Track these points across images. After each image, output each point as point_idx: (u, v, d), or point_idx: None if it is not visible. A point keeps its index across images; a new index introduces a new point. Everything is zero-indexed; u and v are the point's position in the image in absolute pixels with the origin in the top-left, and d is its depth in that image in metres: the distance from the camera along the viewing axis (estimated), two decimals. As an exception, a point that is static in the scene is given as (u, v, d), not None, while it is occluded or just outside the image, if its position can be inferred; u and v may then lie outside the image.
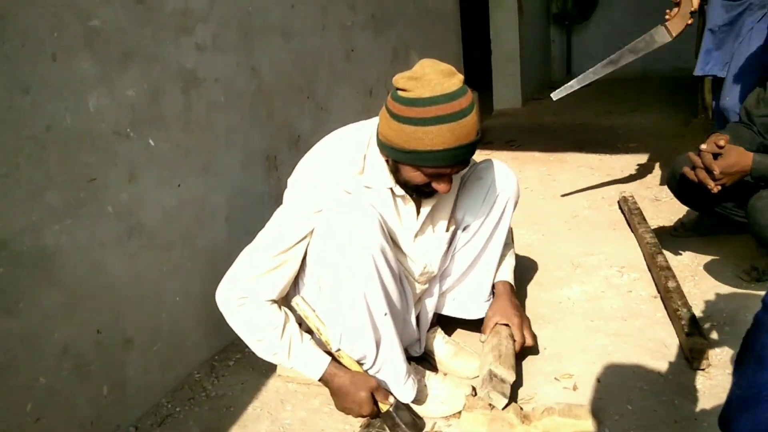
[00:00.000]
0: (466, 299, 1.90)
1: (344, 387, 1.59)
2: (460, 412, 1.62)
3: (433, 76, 1.37)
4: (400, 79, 1.41)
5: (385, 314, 1.54)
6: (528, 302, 2.22)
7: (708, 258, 2.39)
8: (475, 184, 1.79)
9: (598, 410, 1.62)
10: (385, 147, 1.49)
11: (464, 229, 1.80)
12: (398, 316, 1.62)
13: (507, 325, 1.79)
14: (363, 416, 1.61)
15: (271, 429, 1.68)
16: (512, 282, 1.93)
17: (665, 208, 2.95)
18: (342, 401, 1.61)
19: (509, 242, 1.99)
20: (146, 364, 1.74)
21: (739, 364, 0.85)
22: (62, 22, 1.43)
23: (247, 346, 2.03)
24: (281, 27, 2.31)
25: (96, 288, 1.56)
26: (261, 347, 1.61)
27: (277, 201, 2.23)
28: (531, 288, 2.32)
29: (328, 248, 1.49)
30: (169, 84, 1.78)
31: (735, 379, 0.85)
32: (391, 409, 1.58)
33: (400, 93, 1.41)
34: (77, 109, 1.48)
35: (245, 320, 1.59)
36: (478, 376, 1.72)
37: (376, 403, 1.58)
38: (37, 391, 1.42)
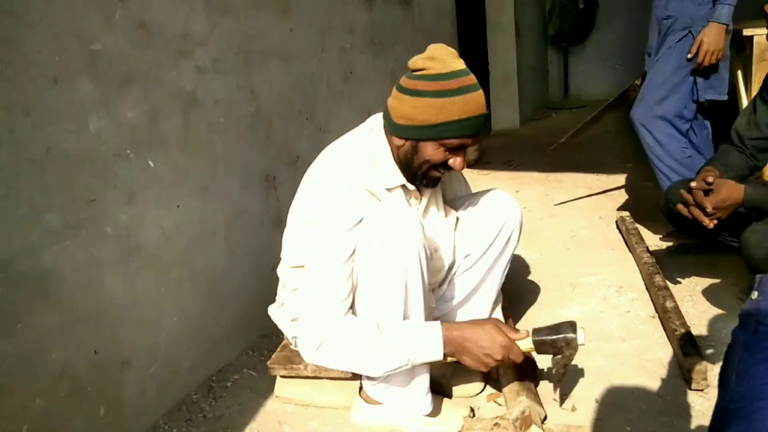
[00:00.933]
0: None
1: (471, 334, 1.49)
2: (458, 434, 1.61)
3: (446, 56, 1.51)
4: (418, 60, 1.52)
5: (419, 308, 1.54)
6: (526, 322, 2.22)
7: (706, 278, 2.40)
8: (480, 212, 1.81)
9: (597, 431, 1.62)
10: (405, 129, 1.53)
11: (466, 256, 1.81)
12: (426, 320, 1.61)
13: None
14: (507, 356, 1.49)
15: (269, 451, 1.67)
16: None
17: (663, 228, 2.95)
18: (478, 350, 1.49)
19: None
20: (143, 385, 1.73)
21: (722, 379, 0.87)
22: (64, 47, 1.45)
23: (245, 367, 2.05)
24: (280, 50, 2.34)
25: (94, 309, 1.56)
26: (371, 361, 1.51)
27: (276, 221, 2.26)
28: (529, 308, 2.32)
29: (371, 252, 1.49)
30: (169, 106, 1.80)
31: (720, 393, 0.86)
32: (532, 336, 1.49)
33: (420, 72, 1.51)
34: (78, 131, 1.50)
35: (343, 347, 1.51)
36: (475, 395, 1.71)
37: None
38: (32, 412, 1.41)
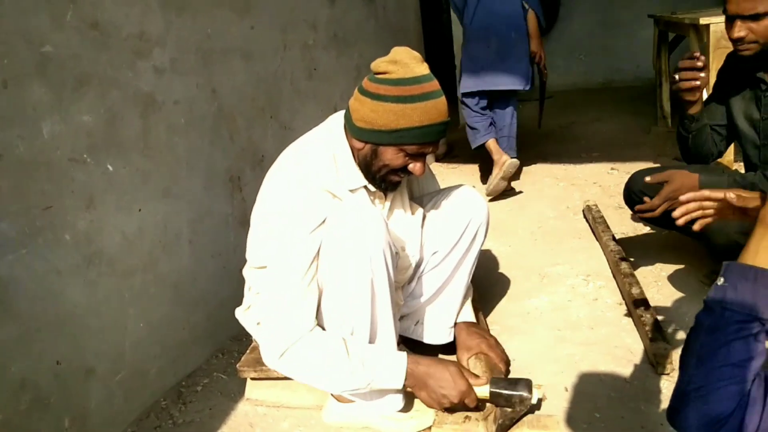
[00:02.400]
0: (432, 324, 1.89)
1: (434, 372, 1.53)
2: (430, 428, 1.61)
3: (409, 60, 1.49)
4: (381, 63, 1.49)
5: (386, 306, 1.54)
6: (496, 314, 2.23)
7: (670, 264, 2.44)
8: (447, 209, 1.81)
9: (566, 420, 1.64)
10: (365, 132, 1.51)
11: (434, 253, 1.81)
12: (393, 317, 1.61)
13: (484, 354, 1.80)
14: (463, 401, 1.53)
15: (240, 454, 1.65)
16: (474, 320, 1.95)
17: (628, 216, 3.00)
18: (437, 389, 1.53)
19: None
20: (109, 393, 1.70)
21: (683, 361, 0.88)
22: (13, 49, 1.41)
23: (215, 370, 2.03)
24: (241, 48, 2.31)
25: (54, 318, 1.53)
26: (332, 380, 1.52)
27: (242, 222, 2.24)
28: (499, 299, 2.34)
29: (335, 251, 1.48)
30: (127, 108, 1.76)
31: (680, 374, 0.88)
32: (490, 386, 1.53)
33: (382, 76, 1.48)
34: (30, 136, 1.46)
35: (306, 362, 1.51)
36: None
37: None
38: (-7, 427, 1.37)
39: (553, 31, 6.60)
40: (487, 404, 1.58)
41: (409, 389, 1.57)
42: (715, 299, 0.86)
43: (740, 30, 1.85)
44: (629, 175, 2.40)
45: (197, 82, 2.06)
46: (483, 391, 1.56)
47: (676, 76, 2.02)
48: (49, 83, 1.51)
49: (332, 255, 1.49)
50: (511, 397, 1.54)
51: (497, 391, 1.55)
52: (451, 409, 1.58)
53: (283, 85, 2.62)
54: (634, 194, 2.21)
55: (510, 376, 1.83)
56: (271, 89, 2.53)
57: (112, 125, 1.70)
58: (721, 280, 0.87)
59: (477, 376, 1.61)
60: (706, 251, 2.00)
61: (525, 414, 1.58)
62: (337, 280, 1.50)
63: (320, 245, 1.50)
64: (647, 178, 2.01)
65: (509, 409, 1.55)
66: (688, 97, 2.07)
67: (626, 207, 3.08)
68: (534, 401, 1.55)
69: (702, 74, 1.98)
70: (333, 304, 1.53)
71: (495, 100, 3.67)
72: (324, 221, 1.50)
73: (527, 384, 1.56)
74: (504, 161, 3.44)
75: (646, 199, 2.01)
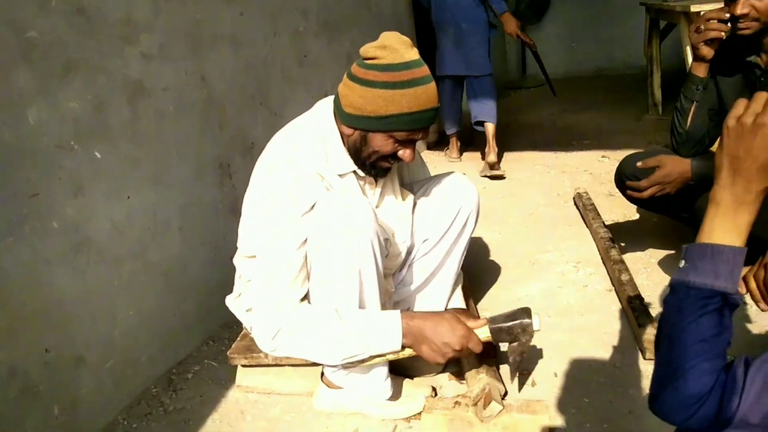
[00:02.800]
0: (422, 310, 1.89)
1: (431, 324, 1.49)
2: (420, 413, 1.62)
3: (399, 46, 1.47)
4: (369, 49, 1.48)
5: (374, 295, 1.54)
6: (487, 301, 2.24)
7: (659, 250, 2.46)
8: (438, 196, 1.80)
9: (555, 405, 1.65)
10: (354, 118, 1.50)
11: (424, 240, 1.81)
12: (382, 306, 1.61)
13: None
14: (466, 346, 1.48)
15: (231, 441, 1.66)
16: (464, 307, 1.94)
17: (619, 203, 3.01)
18: (437, 340, 1.47)
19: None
20: (99, 381, 1.69)
21: (656, 347, 0.90)
22: (-4, 35, 1.39)
23: (205, 357, 2.03)
24: (231, 35, 2.29)
25: (42, 306, 1.52)
26: (329, 352, 1.51)
27: (233, 210, 2.23)
28: (489, 287, 2.35)
29: (324, 236, 1.47)
30: (115, 95, 1.74)
31: (656, 360, 0.89)
32: (489, 325, 1.50)
33: (371, 62, 1.47)
34: (16, 123, 1.44)
35: (299, 338, 1.50)
36: (437, 374, 1.73)
37: None
38: (-18, 415, 1.37)
39: (545, 19, 6.59)
40: (475, 390, 1.58)
41: (409, 349, 1.53)
42: (679, 280, 0.88)
43: (744, 7, 1.84)
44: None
45: (186, 68, 2.04)
46: (484, 332, 1.52)
47: (702, 26, 1.96)
48: (35, 69, 1.49)
49: (321, 244, 1.49)
50: (512, 329, 1.49)
51: (497, 326, 1.50)
52: (457, 358, 1.52)
53: (273, 72, 2.60)
54: (625, 177, 2.22)
55: (497, 366, 1.84)
56: (261, 76, 2.51)
57: (100, 112, 1.69)
58: (682, 263, 0.88)
59: (475, 318, 1.57)
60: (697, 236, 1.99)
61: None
62: (325, 269, 1.50)
63: (309, 232, 1.50)
64: (638, 163, 2.01)
65: (515, 344, 1.50)
66: (705, 52, 2.01)
67: (617, 194, 3.11)
68: (536, 327, 1.50)
69: (727, 26, 1.94)
70: (321, 293, 1.53)
71: (469, 86, 3.92)
72: (313, 206, 1.49)
73: (525, 311, 1.52)
74: (487, 161, 3.71)
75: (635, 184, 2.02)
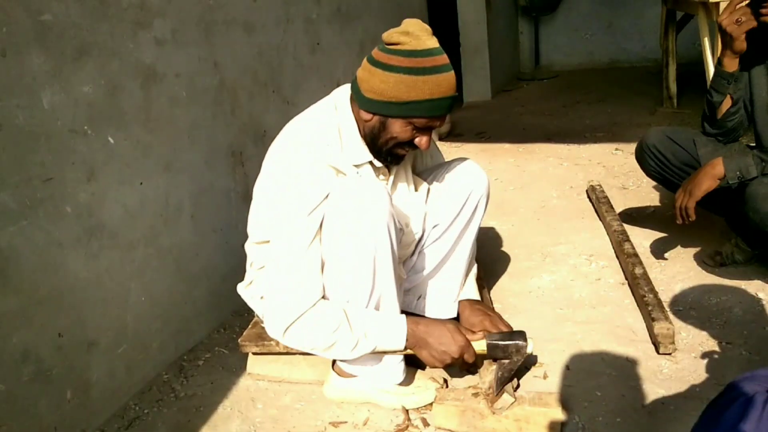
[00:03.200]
0: (434, 298, 1.88)
1: (433, 331, 1.55)
2: (431, 404, 1.62)
3: (421, 33, 1.48)
4: (393, 34, 1.48)
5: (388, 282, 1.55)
6: (498, 292, 2.23)
7: (674, 244, 2.43)
8: (448, 182, 1.79)
9: (567, 398, 1.64)
10: (375, 103, 1.50)
11: (434, 226, 1.80)
12: (397, 292, 1.61)
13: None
14: (462, 355, 1.55)
15: (242, 428, 1.66)
16: (478, 297, 1.93)
17: (632, 196, 2.99)
18: (437, 346, 1.55)
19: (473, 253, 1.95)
20: (111, 366, 1.70)
21: None
22: (11, 17, 1.38)
23: (216, 345, 2.03)
24: (244, 20, 2.28)
25: (56, 290, 1.52)
26: (338, 349, 1.53)
27: (244, 197, 2.22)
28: (501, 278, 2.33)
29: (338, 227, 1.47)
30: (128, 80, 1.73)
31: None
32: (486, 340, 1.57)
33: (394, 47, 1.48)
34: (30, 107, 1.44)
35: (311, 334, 1.52)
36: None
37: None
38: (-5, 398, 1.37)
39: (559, 9, 6.52)
40: (487, 381, 1.57)
41: (410, 350, 1.58)
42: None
43: None
44: (634, 155, 2.38)
45: (199, 54, 2.03)
46: (480, 345, 1.59)
47: (741, 18, 1.91)
48: (49, 52, 1.48)
49: (336, 231, 1.48)
50: (507, 347, 1.56)
51: (493, 342, 1.58)
52: (451, 366, 1.61)
53: (285, 59, 2.59)
54: (646, 146, 2.23)
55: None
56: (273, 63, 2.50)
57: (113, 97, 1.68)
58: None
59: (473, 332, 1.63)
60: (748, 218, 1.86)
61: (517, 371, 1.59)
62: (340, 255, 1.49)
63: (324, 220, 1.49)
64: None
65: (506, 361, 1.57)
66: (743, 45, 1.96)
67: (630, 187, 3.10)
68: (529, 350, 1.57)
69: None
70: (336, 279, 1.52)
71: None
72: (327, 196, 1.48)
73: (521, 334, 1.59)
74: None
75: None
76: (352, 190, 1.47)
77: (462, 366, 1.62)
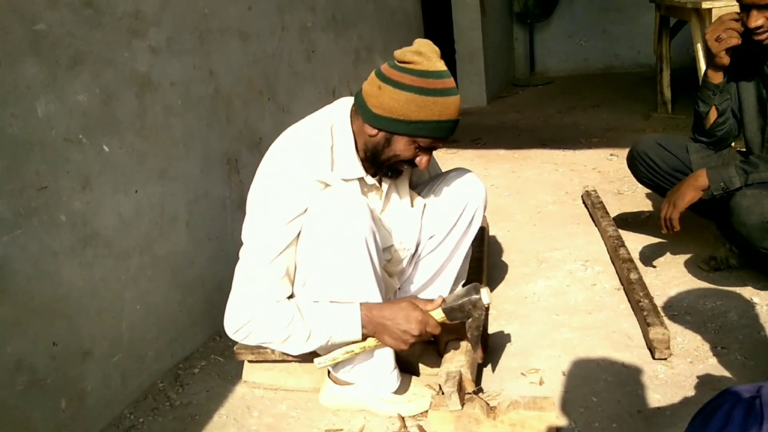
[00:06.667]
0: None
1: (388, 313, 1.52)
2: (426, 411, 1.62)
3: (432, 54, 1.50)
4: (407, 53, 1.49)
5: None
6: (494, 298, 2.22)
7: (669, 249, 2.44)
8: (445, 193, 1.79)
9: (563, 403, 1.64)
10: (382, 120, 1.50)
11: (431, 237, 1.80)
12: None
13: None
14: (425, 329, 1.52)
15: (237, 436, 1.65)
16: None
17: (627, 202, 3.00)
18: (395, 328, 1.51)
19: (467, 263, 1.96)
20: (106, 375, 1.69)
21: None
22: (5, 27, 1.39)
23: (212, 353, 2.03)
24: (239, 29, 2.29)
25: (50, 299, 1.52)
26: (292, 343, 1.54)
27: (240, 205, 2.22)
28: (497, 284, 2.33)
29: (318, 238, 1.48)
30: (123, 88, 1.74)
31: None
32: (444, 306, 1.55)
33: (407, 65, 1.48)
34: (24, 116, 1.44)
35: (265, 332, 1.54)
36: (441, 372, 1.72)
37: None
38: (-11, 408, 1.37)
39: (553, 15, 6.55)
40: (444, 377, 1.57)
41: (370, 337, 1.56)
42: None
43: (757, 19, 1.84)
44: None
45: (194, 62, 2.03)
46: (438, 313, 1.57)
47: (723, 35, 1.96)
48: (43, 62, 1.48)
49: (314, 244, 1.49)
50: (463, 306, 1.54)
51: (449, 306, 1.56)
52: (418, 343, 1.58)
53: (280, 67, 2.60)
54: (637, 153, 2.26)
55: (506, 361, 1.83)
56: (269, 71, 2.50)
57: (108, 105, 1.68)
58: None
59: (430, 301, 1.59)
60: (733, 229, 1.88)
61: (482, 322, 1.59)
62: (319, 268, 1.51)
63: (301, 232, 1.51)
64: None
65: (470, 320, 1.56)
66: (725, 60, 2.00)
67: (625, 193, 3.11)
68: (485, 300, 1.54)
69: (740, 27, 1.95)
70: (315, 292, 1.55)
71: None
72: (305, 211, 1.50)
73: (474, 287, 1.56)
74: None
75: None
76: (330, 205, 1.47)
77: (430, 338, 1.59)
